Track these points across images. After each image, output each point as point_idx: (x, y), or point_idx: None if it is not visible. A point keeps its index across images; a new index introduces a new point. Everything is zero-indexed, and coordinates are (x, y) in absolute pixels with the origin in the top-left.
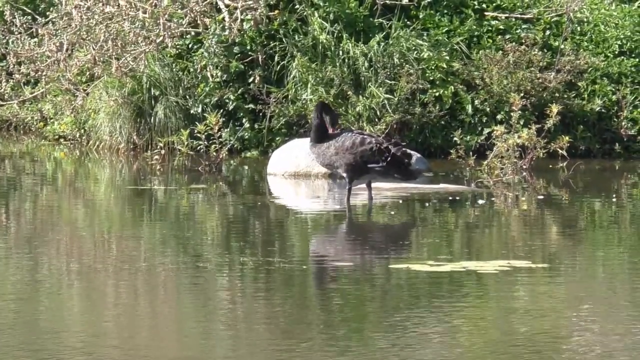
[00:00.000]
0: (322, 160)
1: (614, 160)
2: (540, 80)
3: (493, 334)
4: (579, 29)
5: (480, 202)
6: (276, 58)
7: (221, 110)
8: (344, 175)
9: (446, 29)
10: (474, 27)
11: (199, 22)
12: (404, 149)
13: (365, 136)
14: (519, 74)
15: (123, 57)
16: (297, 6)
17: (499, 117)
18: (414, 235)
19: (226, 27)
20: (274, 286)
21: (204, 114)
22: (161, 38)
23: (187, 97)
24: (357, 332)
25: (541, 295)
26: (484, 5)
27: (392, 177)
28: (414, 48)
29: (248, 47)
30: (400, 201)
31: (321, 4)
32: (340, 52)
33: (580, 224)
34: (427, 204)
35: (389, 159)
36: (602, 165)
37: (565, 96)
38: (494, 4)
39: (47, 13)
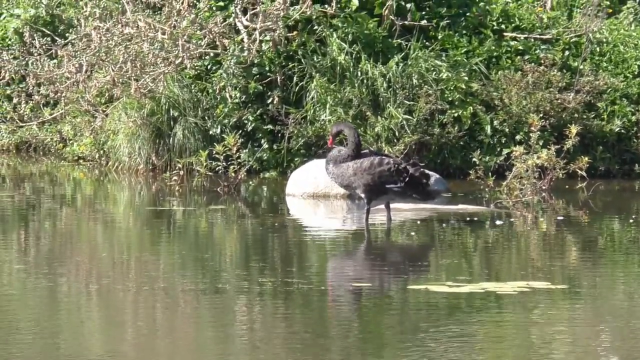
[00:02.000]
0: (340, 181)
1: (633, 181)
2: (559, 101)
3: (512, 356)
4: (598, 49)
5: (499, 222)
6: (295, 79)
7: (240, 131)
8: (362, 195)
9: (465, 49)
10: (493, 47)
11: (217, 43)
12: (422, 169)
13: (383, 157)
14: (538, 94)
15: (142, 78)
16: (316, 27)
17: (518, 137)
18: (433, 256)
19: (245, 48)
20: (293, 307)
21: (223, 135)
22: (180, 59)
23: (206, 118)
24: (376, 354)
25: (560, 317)
26: (503, 26)
27: (411, 197)
28: (432, 69)
29: (267, 68)
30: (419, 222)
31: (340, 25)
32: (359, 73)
33: (600, 244)
34: (446, 225)
35: (407, 179)
36: (621, 185)
37: (585, 117)
38: (513, 25)
39: (67, 34)
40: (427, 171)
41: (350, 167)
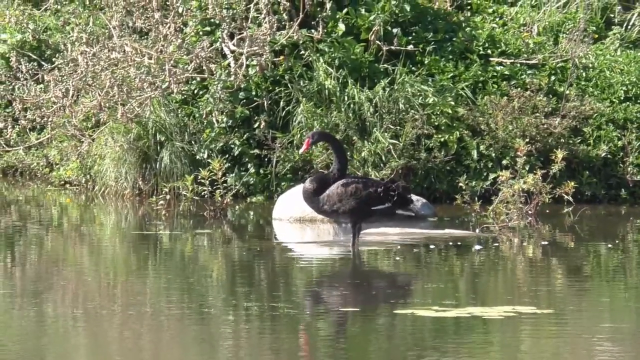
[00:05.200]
0: (326, 208)
1: (619, 206)
2: (545, 126)
3: None
4: (584, 74)
5: (477, 247)
6: (281, 103)
7: (226, 156)
8: (348, 220)
9: (451, 74)
10: (479, 72)
11: (204, 67)
12: (401, 183)
13: (365, 180)
14: (524, 119)
15: (129, 103)
16: (303, 52)
17: (504, 162)
18: (419, 281)
19: (231, 73)
20: (277, 332)
21: (209, 160)
22: (167, 84)
23: (193, 142)
24: None
25: (546, 342)
26: (489, 51)
27: (395, 215)
28: (419, 93)
29: (253, 93)
30: (405, 246)
31: (326, 49)
32: (346, 98)
33: (586, 269)
34: (432, 249)
35: (395, 198)
36: (607, 210)
37: (571, 142)
38: (499, 50)
39: (53, 59)
40: (405, 183)
41: (334, 194)
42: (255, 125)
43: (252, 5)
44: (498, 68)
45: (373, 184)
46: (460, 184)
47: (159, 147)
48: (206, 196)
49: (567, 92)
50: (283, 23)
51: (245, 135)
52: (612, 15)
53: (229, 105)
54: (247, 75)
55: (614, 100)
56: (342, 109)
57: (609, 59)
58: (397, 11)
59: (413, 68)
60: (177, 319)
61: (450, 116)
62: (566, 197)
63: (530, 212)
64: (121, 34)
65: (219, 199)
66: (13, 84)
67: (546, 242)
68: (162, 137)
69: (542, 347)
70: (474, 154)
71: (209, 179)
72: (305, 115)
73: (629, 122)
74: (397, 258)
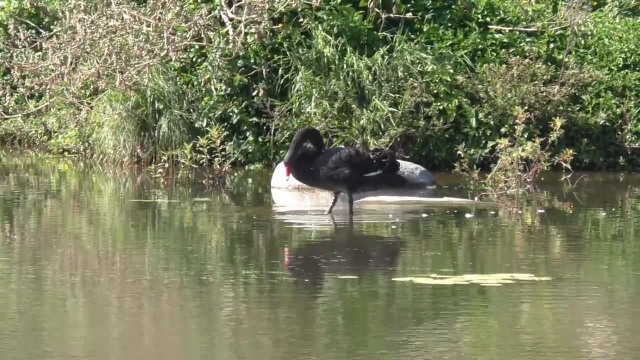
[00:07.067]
0: (322, 176)
1: (618, 173)
2: (544, 94)
3: (497, 348)
4: (583, 42)
5: (468, 215)
6: (280, 71)
7: (225, 124)
8: (343, 188)
9: (450, 42)
10: (478, 40)
11: (202, 35)
12: (388, 150)
13: (356, 148)
14: (522, 87)
15: (127, 71)
16: (301, 20)
17: (503, 130)
18: (417, 249)
19: (230, 41)
20: (277, 300)
21: (208, 128)
22: (165, 51)
23: (191, 110)
24: (361, 346)
25: (544, 309)
26: (488, 19)
27: (385, 184)
28: (417, 61)
29: (252, 61)
30: (403, 214)
31: (325, 17)
32: (344, 66)
33: (584, 236)
34: (430, 217)
35: (387, 164)
36: (606, 178)
37: (569, 109)
38: (498, 17)
39: (51, 27)
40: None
41: (326, 164)
42: (254, 93)
43: None
44: (497, 36)
45: (364, 151)
46: (459, 152)
47: (157, 115)
48: (205, 164)
49: (566, 59)
50: None
51: (243, 103)
52: None
53: (227, 73)
54: (245, 43)
55: (613, 67)
56: (341, 77)
57: (607, 27)
58: None
59: (412, 36)
60: (175, 286)
61: (449, 84)
62: (564, 164)
63: (528, 179)
64: (119, 2)
65: (218, 167)
66: (11, 51)
67: (544, 210)
68: (160, 105)
69: (540, 314)
70: (473, 121)
71: (208, 147)
72: (304, 83)
73: (628, 89)
74: (395, 226)
